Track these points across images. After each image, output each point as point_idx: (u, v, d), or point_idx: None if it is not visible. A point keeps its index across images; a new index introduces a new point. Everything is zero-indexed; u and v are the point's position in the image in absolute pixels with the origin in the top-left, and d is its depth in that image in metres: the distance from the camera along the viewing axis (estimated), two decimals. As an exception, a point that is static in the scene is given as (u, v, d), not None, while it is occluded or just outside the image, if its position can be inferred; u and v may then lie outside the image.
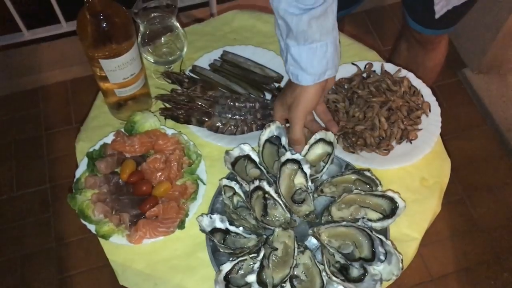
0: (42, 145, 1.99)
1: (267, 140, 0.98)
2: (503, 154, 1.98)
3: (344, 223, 0.87)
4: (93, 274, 1.72)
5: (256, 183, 0.89)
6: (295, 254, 0.85)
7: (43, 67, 2.10)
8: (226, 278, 0.85)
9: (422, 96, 1.08)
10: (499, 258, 1.76)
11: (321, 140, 0.96)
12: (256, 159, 0.96)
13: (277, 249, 0.86)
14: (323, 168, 0.95)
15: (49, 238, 1.79)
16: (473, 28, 2.08)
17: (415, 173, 1.00)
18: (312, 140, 0.96)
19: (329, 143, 0.95)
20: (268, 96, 1.10)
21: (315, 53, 0.87)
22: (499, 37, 1.96)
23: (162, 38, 1.09)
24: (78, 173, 0.98)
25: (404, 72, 1.10)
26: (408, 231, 0.94)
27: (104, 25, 0.88)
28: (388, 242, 0.83)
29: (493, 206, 1.86)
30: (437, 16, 1.22)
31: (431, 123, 1.05)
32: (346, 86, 1.09)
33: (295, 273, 0.85)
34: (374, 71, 1.11)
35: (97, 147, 1.00)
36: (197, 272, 0.91)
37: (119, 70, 0.94)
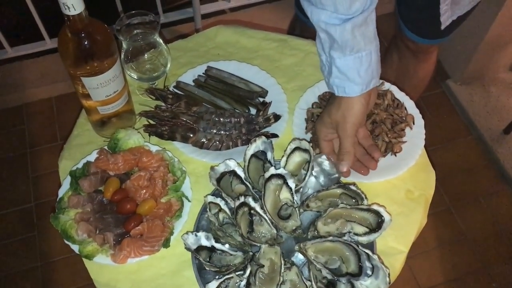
0: (26, 163, 1.97)
1: (252, 155, 0.98)
2: (487, 164, 2.00)
3: (330, 238, 0.86)
4: (78, 294, 1.69)
5: (242, 199, 0.89)
6: (282, 270, 0.84)
7: (27, 84, 2.08)
8: (212, 296, 0.84)
9: (405, 108, 1.08)
10: (487, 268, 1.77)
11: (296, 148, 0.96)
12: (242, 174, 0.96)
13: (263, 266, 0.85)
14: (305, 176, 0.94)
15: (34, 257, 1.76)
16: (456, 40, 2.11)
17: (400, 186, 1.01)
18: (288, 151, 0.96)
19: (305, 151, 0.95)
20: (253, 111, 1.10)
21: (362, 62, 0.87)
22: (481, 49, 1.99)
23: (146, 55, 1.09)
24: (61, 192, 0.97)
25: (387, 85, 1.11)
26: (395, 244, 0.94)
27: (86, 43, 0.87)
28: (375, 256, 0.83)
29: (480, 216, 1.87)
30: (443, 27, 1.23)
31: (415, 135, 1.05)
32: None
33: (282, 289, 0.84)
34: (358, 84, 1.12)
35: (80, 165, 0.99)
36: (183, 291, 0.90)
37: (102, 87, 0.94)
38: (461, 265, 1.77)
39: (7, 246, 1.79)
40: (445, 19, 1.22)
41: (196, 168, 1.03)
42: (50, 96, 2.11)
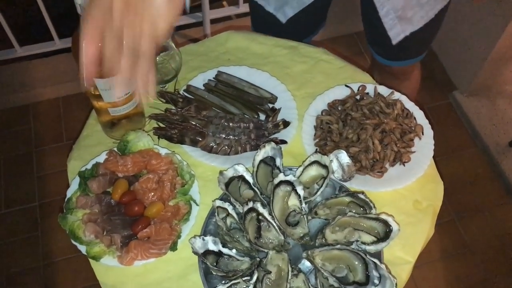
0: (32, 162, 1.97)
1: (261, 161, 0.98)
2: (493, 176, 1.99)
3: (338, 246, 0.86)
4: (80, 295, 1.69)
5: (250, 204, 0.89)
6: (289, 277, 0.84)
7: (35, 84, 2.09)
8: (219, 301, 0.84)
9: (415, 118, 1.09)
10: (490, 280, 1.76)
11: (315, 162, 0.96)
12: (250, 180, 0.96)
13: (270, 272, 0.85)
14: (317, 191, 0.94)
15: (37, 256, 1.76)
16: (463, 51, 2.11)
17: (408, 196, 1.00)
18: (306, 162, 0.96)
19: (324, 166, 0.95)
20: (262, 116, 1.10)
21: None
22: (489, 60, 1.99)
23: (157, 58, 1.09)
24: (69, 192, 0.97)
25: (397, 95, 1.11)
26: (402, 254, 0.93)
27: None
28: (382, 266, 0.83)
29: (484, 228, 1.87)
30: (394, 42, 1.21)
31: (424, 146, 1.05)
32: (339, 108, 1.10)
33: (288, 297, 0.84)
34: (367, 93, 1.12)
35: (89, 166, 0.99)
36: (189, 295, 0.90)
37: (113, 89, 0.94)
38: (464, 277, 1.76)
39: (10, 244, 1.79)
40: (395, 35, 1.20)
41: (205, 172, 1.03)
42: (57, 96, 2.11)
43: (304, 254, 0.86)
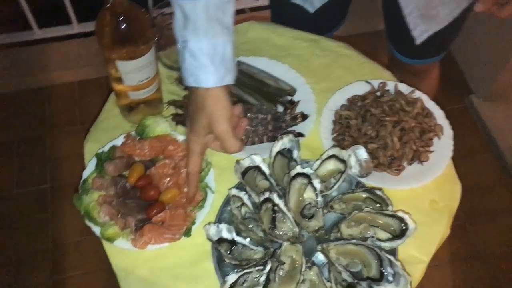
0: (45, 145, 1.98)
1: (278, 152, 0.97)
2: (506, 182, 1.97)
3: (354, 241, 0.85)
4: (88, 278, 1.70)
5: (266, 194, 0.88)
6: (303, 269, 0.83)
7: (52, 67, 2.10)
8: (231, 289, 0.84)
9: (435, 118, 1.07)
10: (498, 286, 1.75)
11: (333, 156, 0.95)
12: (266, 170, 0.95)
13: (284, 263, 0.85)
14: (334, 185, 0.94)
15: (45, 238, 1.77)
16: (482, 55, 2.09)
17: (425, 195, 0.99)
18: (324, 156, 0.95)
19: (342, 161, 0.94)
20: (280, 109, 1.09)
21: (216, 50, 0.81)
22: (508, 66, 1.97)
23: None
24: (85, 173, 0.97)
25: (418, 93, 1.10)
26: (416, 253, 0.93)
27: (124, 26, 0.87)
28: (398, 263, 0.82)
29: (495, 234, 1.85)
30: (417, 42, 1.20)
31: (443, 146, 1.04)
32: (359, 104, 1.09)
33: (301, 289, 0.84)
34: (388, 90, 1.11)
35: (106, 148, 0.99)
36: (201, 282, 0.89)
37: (135, 72, 0.94)
38: (472, 281, 1.75)
39: (20, 225, 1.80)
40: (418, 34, 1.18)
41: (220, 161, 1.02)
42: (73, 80, 2.12)
43: (319, 247, 0.86)
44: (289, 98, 1.11)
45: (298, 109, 1.08)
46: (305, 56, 1.19)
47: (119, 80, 0.96)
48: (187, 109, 0.89)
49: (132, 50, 0.91)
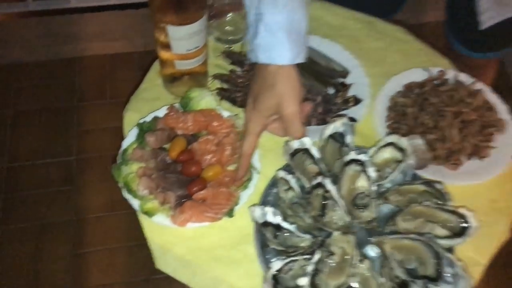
0: (72, 116, 1.94)
1: (330, 136, 0.91)
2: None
3: (412, 236, 0.79)
4: (109, 255, 1.66)
5: (319, 179, 0.82)
6: (354, 262, 0.77)
7: (85, 38, 2.06)
8: (275, 277, 0.78)
9: (497, 112, 1.00)
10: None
11: (391, 144, 0.89)
12: (316, 154, 0.89)
13: (334, 253, 0.79)
14: (389, 175, 0.87)
15: (69, 211, 1.74)
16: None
17: (484, 193, 0.92)
18: (381, 143, 0.89)
19: (400, 150, 0.88)
20: (331, 90, 1.03)
21: (293, 24, 0.75)
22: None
23: (229, 16, 1.03)
24: (125, 143, 0.92)
25: (480, 85, 1.03)
26: (473, 255, 0.86)
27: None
28: (459, 263, 0.76)
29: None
30: (483, 26, 1.11)
31: (505, 142, 0.97)
32: (416, 91, 1.02)
33: (351, 283, 0.78)
34: (447, 79, 1.04)
35: (148, 119, 0.94)
36: (241, 266, 0.84)
37: (185, 40, 0.88)
38: (505, 290, 1.67)
39: (43, 195, 1.77)
40: (486, 19, 1.10)
41: (265, 141, 0.96)
42: (105, 53, 2.07)
43: (374, 240, 0.80)
44: (341, 80, 1.04)
45: (350, 93, 1.02)
46: (359, 37, 1.12)
47: (167, 47, 0.90)
48: (249, 86, 0.84)
49: (185, 15, 0.85)
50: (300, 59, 0.78)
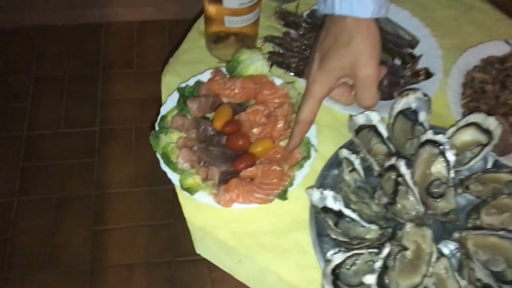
0: (97, 85, 1.84)
1: (400, 112, 0.78)
2: None
3: (501, 233, 0.67)
4: (130, 233, 1.57)
5: (392, 160, 0.70)
6: (433, 260, 0.65)
7: (112, 2, 1.94)
8: (334, 272, 0.67)
9: None
10: None
11: (473, 124, 0.76)
12: (385, 133, 0.77)
13: (408, 249, 0.67)
14: (470, 160, 0.75)
15: (89, 185, 1.64)
16: None
17: None
18: (462, 123, 0.76)
19: (485, 131, 0.75)
20: (398, 61, 0.90)
21: None
22: None
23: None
24: (164, 109, 0.80)
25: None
26: None
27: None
28: (561, 270, 0.63)
29: None
30: None
31: None
32: (496, 66, 0.88)
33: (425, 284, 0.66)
34: (532, 55, 0.90)
35: (191, 83, 0.82)
36: (291, 257, 0.73)
37: (239, -8, 0.76)
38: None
39: (65, 167, 1.68)
40: None
41: (321, 116, 0.83)
42: (133, 20, 1.96)
43: (456, 235, 0.67)
44: (410, 50, 0.91)
45: (420, 65, 0.88)
46: (429, 4, 0.99)
47: (218, 0, 0.78)
48: (314, 43, 0.72)
49: (241, -40, 0.72)
50: (383, 14, 0.66)
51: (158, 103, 0.83)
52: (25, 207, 1.59)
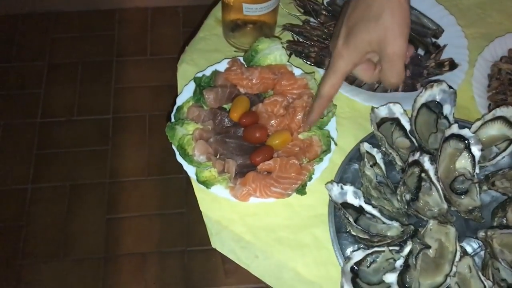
0: (111, 72, 1.82)
1: (424, 105, 0.76)
2: None
3: (529, 232, 0.64)
4: (143, 222, 1.56)
5: (416, 155, 0.68)
6: (456, 259, 0.63)
7: (125, -12, 1.92)
8: (353, 269, 0.65)
9: None
10: None
11: (501, 118, 0.73)
12: (407, 126, 0.74)
13: (430, 247, 0.65)
14: (496, 156, 0.72)
15: (103, 173, 1.64)
16: None
17: None
18: (488, 116, 0.73)
19: (512, 126, 0.72)
20: (421, 51, 0.87)
21: None
22: None
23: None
24: (180, 100, 0.79)
25: None
26: None
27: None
28: None
29: None
30: None
31: None
32: (525, 57, 0.85)
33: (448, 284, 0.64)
34: (562, 46, 0.86)
35: (207, 72, 0.80)
36: (309, 253, 0.71)
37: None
38: None
39: (78, 154, 1.67)
40: None
41: (341, 107, 0.82)
42: (147, 6, 1.93)
43: (482, 234, 0.65)
44: (434, 40, 0.88)
45: (445, 55, 0.85)
46: (453, -9, 0.95)
47: (236, -14, 0.76)
48: (340, 17, 0.68)
49: None
50: None
51: (171, 90, 0.81)
52: (39, 195, 1.60)
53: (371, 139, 0.75)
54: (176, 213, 1.54)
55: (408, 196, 0.68)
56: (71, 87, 1.80)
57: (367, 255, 0.66)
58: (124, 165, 1.64)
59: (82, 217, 1.57)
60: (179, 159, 0.73)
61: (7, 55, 1.86)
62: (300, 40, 0.85)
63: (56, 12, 1.93)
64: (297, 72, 0.81)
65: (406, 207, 0.68)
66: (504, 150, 0.72)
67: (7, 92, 1.78)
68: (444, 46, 0.86)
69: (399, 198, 0.69)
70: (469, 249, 0.69)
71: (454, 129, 0.70)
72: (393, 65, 0.63)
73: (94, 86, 1.80)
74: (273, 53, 0.81)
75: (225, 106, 0.80)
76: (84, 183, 1.63)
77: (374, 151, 0.72)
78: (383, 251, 0.66)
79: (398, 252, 0.65)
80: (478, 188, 0.69)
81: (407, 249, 0.65)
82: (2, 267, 1.48)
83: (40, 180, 1.62)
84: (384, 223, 0.68)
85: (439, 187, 0.68)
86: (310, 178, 0.72)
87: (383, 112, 0.75)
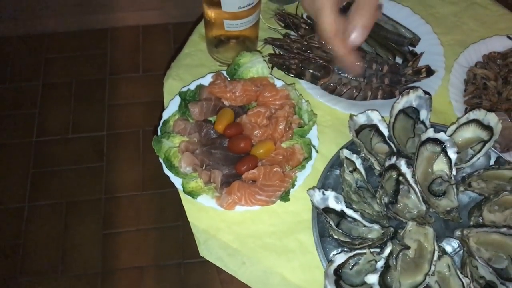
0: (104, 89, 1.85)
1: (401, 111, 0.78)
2: None
3: (504, 230, 0.66)
4: (139, 236, 1.58)
5: (393, 160, 0.70)
6: (435, 258, 0.65)
7: (117, 8, 1.95)
8: (337, 272, 0.67)
9: None
10: None
11: (475, 121, 0.75)
12: (386, 132, 0.77)
13: (409, 248, 0.67)
14: (472, 157, 0.75)
15: (98, 189, 1.66)
16: None
17: None
18: (463, 120, 0.76)
19: (486, 128, 0.75)
20: (399, 59, 0.90)
21: None
22: None
23: (282, -27, 0.90)
24: (166, 114, 0.81)
25: None
26: None
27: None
28: None
29: None
30: None
31: None
32: (498, 62, 0.88)
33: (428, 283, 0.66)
34: (534, 50, 0.89)
35: (192, 87, 0.83)
36: (295, 257, 0.73)
37: (237, -4, 0.76)
38: None
39: (73, 171, 1.69)
40: None
41: (323, 116, 0.85)
42: (138, 24, 1.97)
43: (458, 233, 0.67)
44: (411, 48, 0.91)
45: (422, 62, 0.88)
46: (430, 1, 0.99)
47: (216, 4, 0.79)
48: None
49: (238, -35, 0.73)
50: None
51: (164, 106, 0.84)
52: (36, 213, 1.61)
53: (351, 145, 0.78)
54: (172, 226, 1.56)
55: (386, 199, 0.70)
56: (66, 106, 1.82)
57: (350, 257, 0.68)
58: (119, 180, 1.66)
59: (79, 233, 1.59)
60: (166, 171, 0.75)
61: (2, 77, 1.89)
62: (281, 53, 0.88)
63: (50, 33, 1.97)
64: (278, 83, 0.84)
65: (385, 210, 0.71)
66: (479, 151, 0.74)
67: (2, 113, 1.81)
68: (421, 53, 0.89)
69: (378, 201, 0.71)
70: (449, 249, 0.71)
71: (430, 133, 0.73)
72: (366, 5, 0.59)
73: (88, 104, 1.83)
74: (255, 66, 0.84)
75: (210, 118, 0.82)
76: (80, 199, 1.65)
77: (354, 157, 0.75)
78: (365, 253, 0.68)
79: (379, 253, 0.67)
80: (455, 190, 0.71)
81: (387, 251, 0.67)
82: (1, 286, 1.49)
83: (37, 198, 1.64)
84: (365, 226, 0.70)
85: (417, 189, 0.70)
86: (293, 185, 0.75)
87: (361, 119, 0.78)
